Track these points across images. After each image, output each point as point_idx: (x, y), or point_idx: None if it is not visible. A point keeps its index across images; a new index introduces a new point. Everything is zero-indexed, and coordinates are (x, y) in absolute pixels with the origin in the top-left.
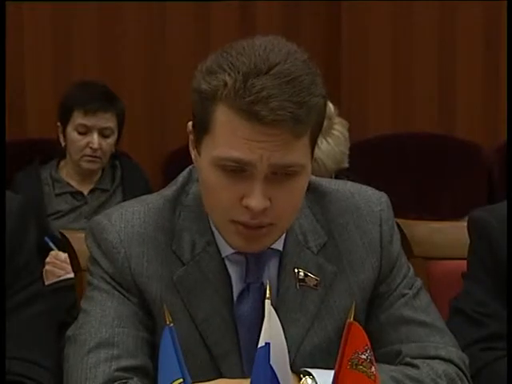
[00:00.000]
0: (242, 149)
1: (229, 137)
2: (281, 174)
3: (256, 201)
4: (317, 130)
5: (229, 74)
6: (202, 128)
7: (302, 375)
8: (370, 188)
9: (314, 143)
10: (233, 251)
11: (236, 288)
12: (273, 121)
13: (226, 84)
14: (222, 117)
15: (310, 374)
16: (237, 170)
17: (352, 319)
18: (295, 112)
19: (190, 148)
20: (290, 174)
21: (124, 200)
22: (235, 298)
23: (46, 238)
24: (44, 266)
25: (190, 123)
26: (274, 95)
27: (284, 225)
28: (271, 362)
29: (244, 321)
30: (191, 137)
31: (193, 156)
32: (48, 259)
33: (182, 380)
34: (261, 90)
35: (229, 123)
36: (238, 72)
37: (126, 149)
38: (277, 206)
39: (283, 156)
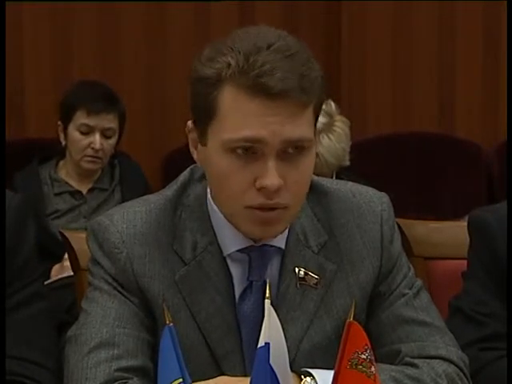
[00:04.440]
0: (252, 126)
1: (237, 117)
2: (290, 152)
3: (271, 179)
4: (318, 107)
5: (230, 56)
6: (207, 115)
7: (302, 376)
8: (370, 188)
9: (316, 121)
10: (235, 249)
11: (238, 287)
12: (281, 91)
13: (229, 64)
14: (228, 98)
15: (310, 375)
16: (248, 153)
17: (352, 319)
18: (300, 81)
19: (192, 148)
20: (299, 151)
21: (123, 199)
22: (237, 297)
23: None
24: (47, 265)
25: (189, 122)
26: (278, 67)
27: (295, 209)
28: (271, 362)
29: (246, 319)
30: (192, 135)
31: (195, 155)
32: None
33: (181, 380)
34: (264, 63)
35: (236, 103)
36: (239, 52)
37: (126, 148)
38: (290, 185)
39: (293, 129)
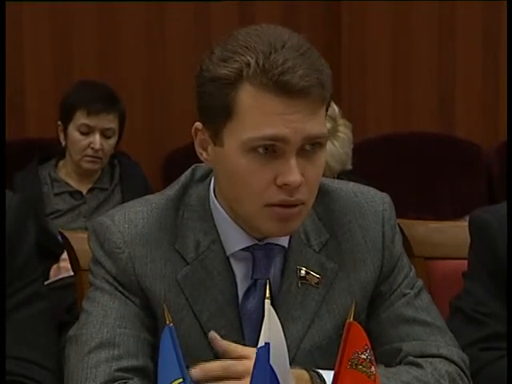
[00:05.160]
0: (274, 125)
1: (258, 116)
2: (307, 149)
3: (294, 176)
4: (328, 103)
5: (249, 55)
6: (223, 116)
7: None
8: (372, 188)
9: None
10: (239, 248)
11: (241, 285)
12: (303, 88)
13: (248, 63)
14: (248, 97)
15: (320, 376)
16: (268, 151)
17: (352, 319)
18: (320, 77)
19: (199, 149)
20: (315, 147)
21: (123, 199)
22: (241, 296)
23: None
24: (47, 265)
25: (198, 123)
26: (299, 64)
27: (310, 204)
28: (271, 362)
29: (250, 318)
30: (201, 137)
31: (204, 156)
32: (64, 256)
33: (181, 380)
34: (285, 61)
35: (256, 102)
36: (257, 51)
37: (126, 148)
38: (308, 181)
39: (313, 126)
